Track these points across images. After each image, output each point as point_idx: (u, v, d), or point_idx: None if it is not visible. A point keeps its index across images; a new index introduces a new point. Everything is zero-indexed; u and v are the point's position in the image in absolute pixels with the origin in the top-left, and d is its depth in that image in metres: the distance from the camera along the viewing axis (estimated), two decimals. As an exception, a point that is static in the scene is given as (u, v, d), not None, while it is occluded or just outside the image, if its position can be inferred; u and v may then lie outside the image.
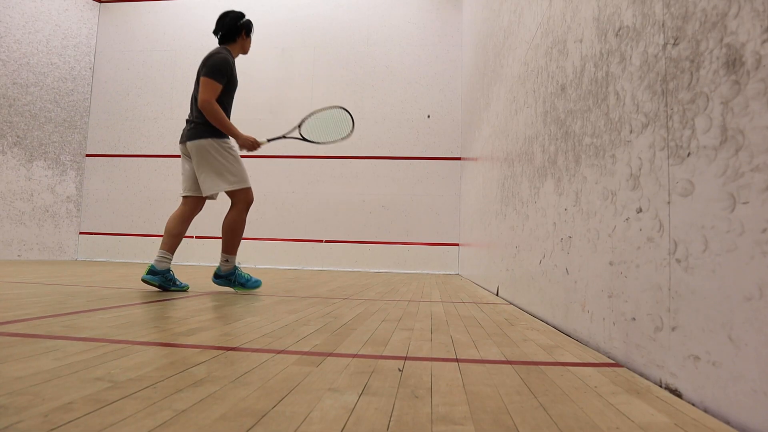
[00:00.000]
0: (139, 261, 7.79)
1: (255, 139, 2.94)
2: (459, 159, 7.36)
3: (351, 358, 1.16)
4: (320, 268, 7.32)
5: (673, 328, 0.93)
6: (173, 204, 7.83)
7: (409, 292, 3.32)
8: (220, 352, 1.19)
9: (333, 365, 1.08)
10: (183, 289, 2.85)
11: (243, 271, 2.93)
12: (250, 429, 0.67)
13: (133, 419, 0.69)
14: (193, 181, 2.86)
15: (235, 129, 2.85)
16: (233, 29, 2.97)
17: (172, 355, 1.12)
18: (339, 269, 7.31)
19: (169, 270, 2.81)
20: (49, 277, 3.74)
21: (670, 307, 0.94)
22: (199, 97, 2.73)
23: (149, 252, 7.77)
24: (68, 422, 0.67)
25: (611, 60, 1.28)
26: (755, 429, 0.71)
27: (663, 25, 1.00)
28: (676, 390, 0.91)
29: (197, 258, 7.66)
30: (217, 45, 3.00)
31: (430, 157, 7.49)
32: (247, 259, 7.24)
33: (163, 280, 2.76)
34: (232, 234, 2.84)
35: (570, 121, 1.63)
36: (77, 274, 4.15)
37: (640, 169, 1.09)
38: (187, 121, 2.87)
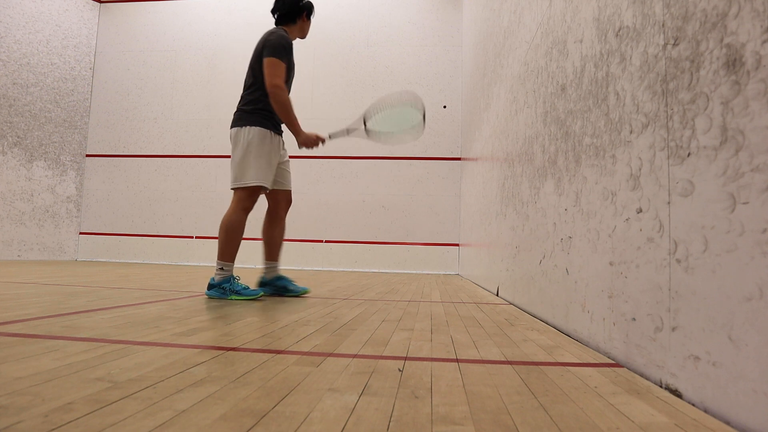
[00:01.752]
0: (139, 261, 7.79)
1: (317, 135, 2.67)
2: (459, 159, 7.36)
3: (351, 359, 1.16)
4: (320, 268, 7.32)
5: (674, 329, 0.93)
6: (173, 204, 7.85)
7: (409, 293, 3.32)
8: (220, 352, 1.19)
9: (333, 365, 1.08)
10: (300, 292, 2.76)
11: (241, 282, 2.58)
12: (250, 429, 0.67)
13: (133, 419, 0.69)
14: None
15: (298, 124, 2.60)
16: (294, 9, 2.72)
17: (172, 355, 1.12)
18: (339, 269, 7.31)
19: (280, 277, 2.75)
20: (49, 277, 3.74)
21: (670, 307, 0.94)
22: (267, 80, 2.51)
23: (149, 252, 7.78)
24: (68, 422, 0.67)
25: (611, 60, 1.28)
26: (755, 429, 0.71)
27: (663, 25, 1.00)
28: (676, 390, 0.91)
29: (197, 258, 7.66)
30: (273, 26, 2.77)
31: (430, 158, 7.49)
32: (248, 259, 7.24)
33: (275, 289, 2.74)
34: (226, 235, 2.52)
35: (570, 122, 1.63)
36: (77, 274, 4.15)
37: (640, 170, 1.09)
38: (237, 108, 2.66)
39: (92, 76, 8.27)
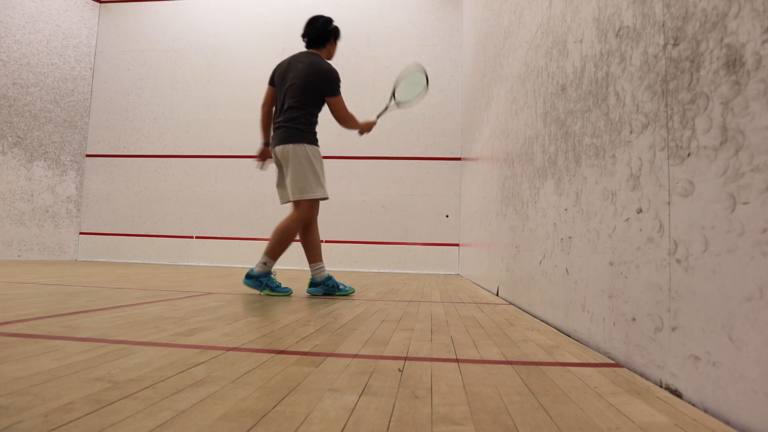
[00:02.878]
0: (139, 261, 7.79)
1: (368, 121, 3.07)
2: (459, 159, 7.36)
3: (351, 359, 1.16)
4: (320, 269, 7.32)
5: (674, 329, 0.93)
6: (173, 204, 7.85)
7: (409, 293, 3.32)
8: (220, 352, 1.19)
9: (333, 365, 1.08)
10: (347, 292, 2.93)
11: (276, 279, 2.87)
12: (250, 429, 0.67)
13: (133, 419, 0.69)
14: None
15: (358, 122, 3.00)
16: (324, 34, 2.96)
17: (172, 356, 1.12)
18: (339, 269, 7.31)
19: (329, 277, 2.91)
20: (49, 277, 3.74)
21: (670, 307, 0.94)
22: (340, 117, 2.89)
23: (149, 252, 7.78)
24: (68, 422, 0.67)
25: (611, 60, 1.28)
26: (755, 429, 0.71)
27: (663, 25, 1.00)
28: (676, 390, 0.91)
29: (197, 258, 7.66)
30: (305, 49, 3.00)
31: (430, 158, 7.49)
32: (248, 259, 7.25)
33: (326, 289, 2.89)
34: (281, 238, 2.77)
35: (570, 122, 1.63)
36: (77, 275, 4.15)
37: (640, 170, 1.09)
38: (277, 126, 2.86)
39: (92, 76, 8.27)
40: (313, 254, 2.93)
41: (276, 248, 2.79)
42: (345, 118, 2.92)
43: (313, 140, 2.84)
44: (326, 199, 2.87)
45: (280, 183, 2.93)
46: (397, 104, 3.25)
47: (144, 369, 0.98)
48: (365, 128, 3.06)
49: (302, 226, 2.84)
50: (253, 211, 7.45)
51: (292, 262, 7.39)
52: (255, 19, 7.95)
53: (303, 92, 2.81)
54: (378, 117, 3.14)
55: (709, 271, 0.83)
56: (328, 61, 2.94)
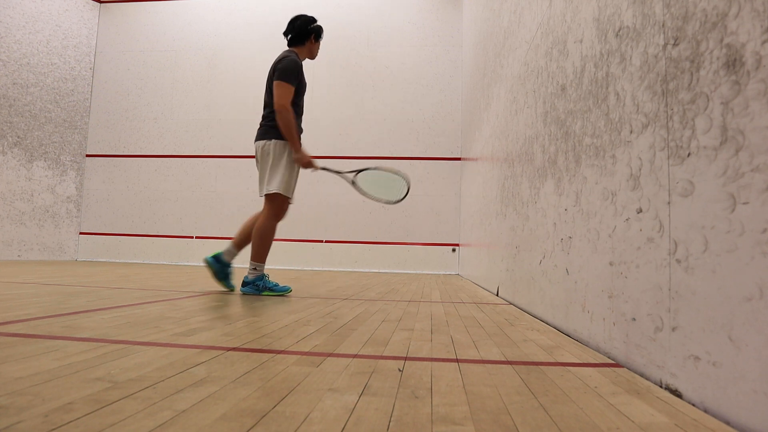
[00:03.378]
0: (139, 261, 7.79)
1: (311, 160, 2.89)
2: (459, 159, 7.36)
3: (351, 359, 1.16)
4: (320, 269, 7.32)
5: (674, 329, 0.93)
6: (173, 204, 7.85)
7: (409, 293, 3.32)
8: (220, 352, 1.19)
9: (333, 365, 1.08)
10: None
11: (271, 279, 2.90)
12: (250, 429, 0.67)
13: (133, 419, 0.69)
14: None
15: (297, 142, 2.82)
16: (303, 33, 2.98)
17: (172, 356, 1.12)
18: (339, 269, 7.31)
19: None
20: (49, 277, 3.74)
21: (670, 307, 0.94)
22: (275, 101, 2.76)
23: (149, 252, 7.79)
24: (68, 422, 0.67)
25: (611, 60, 1.28)
26: (755, 429, 0.71)
27: (663, 25, 1.00)
28: (676, 390, 0.91)
29: (197, 258, 7.66)
30: (286, 48, 3.03)
31: (430, 158, 7.49)
32: (248, 259, 7.24)
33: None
34: (261, 240, 2.79)
35: (570, 122, 1.63)
36: (77, 275, 4.15)
37: (640, 170, 1.09)
38: (261, 123, 2.91)
39: (92, 76, 8.27)
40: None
41: (259, 251, 2.80)
42: (282, 114, 2.73)
43: (281, 136, 2.80)
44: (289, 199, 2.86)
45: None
46: (353, 183, 3.11)
47: (144, 369, 0.98)
48: (301, 159, 2.82)
49: (276, 223, 2.84)
50: (253, 211, 7.43)
51: (294, 261, 7.40)
52: (255, 19, 7.94)
53: (269, 90, 2.86)
54: (322, 168, 2.99)
55: (709, 271, 0.83)
56: (296, 56, 2.89)
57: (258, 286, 2.78)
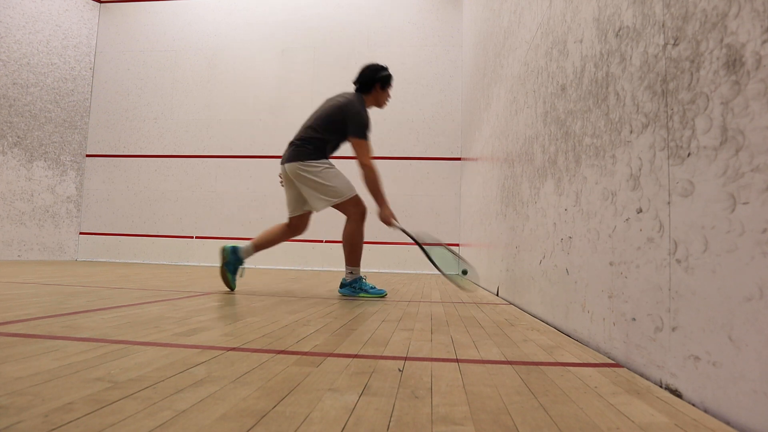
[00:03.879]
0: (139, 261, 7.79)
1: (393, 218, 2.94)
2: (459, 159, 7.36)
3: (351, 359, 1.16)
4: (320, 269, 7.32)
5: (674, 329, 0.93)
6: (173, 204, 7.85)
7: (409, 293, 3.32)
8: (220, 352, 1.19)
9: (333, 365, 1.08)
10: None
11: (368, 281, 2.99)
12: (250, 429, 0.67)
13: (133, 419, 0.69)
14: (292, 201, 3.01)
15: (384, 199, 2.89)
16: (369, 81, 3.03)
17: (172, 356, 1.12)
18: (339, 270, 7.31)
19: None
20: (49, 277, 3.74)
21: (670, 307, 0.94)
22: (360, 160, 2.82)
23: (149, 252, 7.78)
24: (68, 422, 0.67)
25: (611, 60, 1.28)
26: (755, 430, 0.71)
27: (663, 25, 1.00)
28: (676, 390, 0.91)
29: (197, 258, 7.66)
30: (353, 91, 3.06)
31: (430, 158, 7.49)
32: (247, 259, 7.24)
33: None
34: (351, 246, 2.89)
35: (570, 122, 1.63)
36: (77, 275, 4.15)
37: (640, 170, 1.09)
38: (291, 143, 2.94)
39: (92, 76, 8.27)
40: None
41: (352, 256, 2.91)
42: (370, 174, 2.84)
43: (309, 156, 2.85)
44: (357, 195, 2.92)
45: (289, 197, 3.02)
46: (426, 254, 2.94)
47: (144, 369, 0.98)
48: (387, 218, 2.92)
49: (362, 225, 2.94)
50: (253, 211, 7.45)
51: (294, 261, 7.40)
52: (255, 19, 7.94)
53: (324, 122, 2.88)
54: (400, 229, 2.98)
55: (709, 271, 0.83)
56: (365, 108, 2.94)
57: (355, 288, 2.89)
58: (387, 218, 2.93)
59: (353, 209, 2.90)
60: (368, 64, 3.09)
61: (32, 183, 7.35)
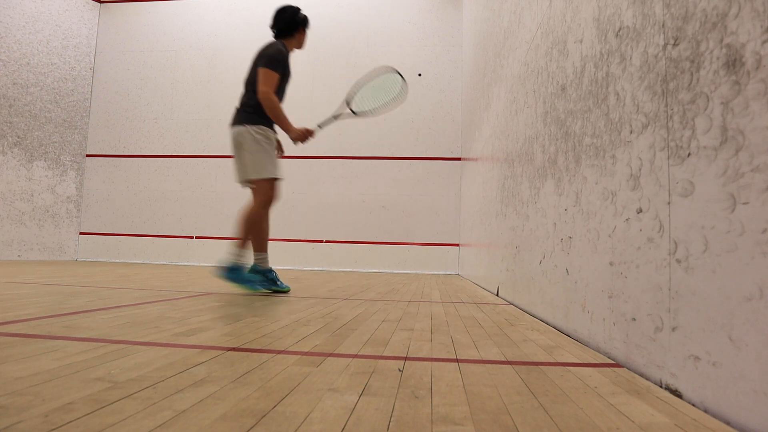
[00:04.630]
0: (139, 261, 7.79)
1: (306, 129, 2.87)
2: (459, 159, 7.36)
3: (351, 359, 1.16)
4: (320, 269, 7.32)
5: (674, 329, 0.93)
6: (173, 204, 7.85)
7: (409, 293, 3.32)
8: (220, 352, 1.19)
9: (333, 365, 1.08)
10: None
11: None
12: (250, 429, 0.67)
13: (133, 419, 0.69)
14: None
15: (289, 123, 2.84)
16: (291, 24, 2.97)
17: (172, 356, 1.12)
18: (339, 269, 7.31)
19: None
20: (49, 277, 3.74)
21: (670, 307, 0.94)
22: (259, 88, 2.75)
23: (149, 252, 7.78)
24: (68, 422, 0.67)
25: (611, 60, 1.28)
26: (756, 430, 0.71)
27: (663, 25, 1.00)
28: (676, 390, 0.91)
29: (197, 258, 7.66)
30: (272, 39, 3.00)
31: (430, 158, 7.49)
32: (247, 259, 7.24)
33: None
34: (252, 228, 2.78)
35: (570, 122, 1.63)
36: (77, 275, 4.15)
37: (640, 170, 1.09)
38: (236, 108, 2.91)
39: (92, 76, 8.27)
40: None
41: (257, 239, 2.81)
42: (267, 100, 2.74)
43: (260, 121, 2.80)
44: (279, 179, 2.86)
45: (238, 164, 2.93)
46: (356, 114, 3.06)
47: (144, 369, 0.98)
48: (299, 135, 2.87)
49: (267, 210, 2.83)
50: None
51: (294, 261, 7.40)
52: (255, 19, 7.94)
53: (251, 77, 2.85)
54: (320, 127, 2.98)
55: (709, 271, 0.83)
56: (283, 46, 2.88)
57: (267, 278, 2.82)
58: (301, 135, 2.86)
59: (264, 192, 2.80)
60: (282, 7, 3.01)
61: (32, 183, 7.35)
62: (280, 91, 2.88)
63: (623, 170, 1.18)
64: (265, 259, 2.86)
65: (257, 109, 2.80)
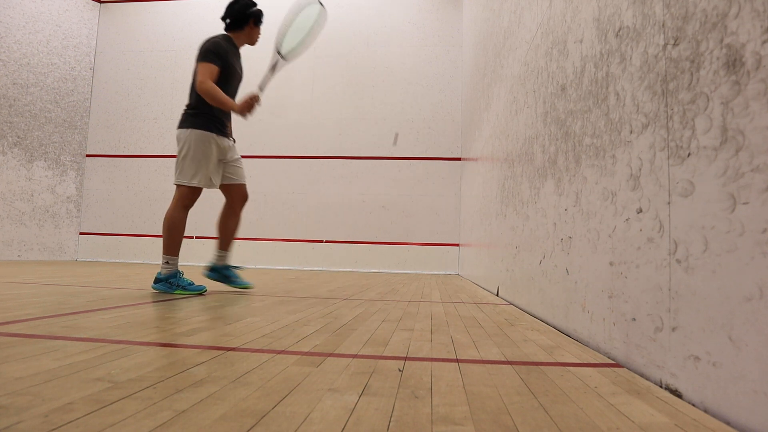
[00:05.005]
0: (139, 261, 7.79)
1: (249, 96, 2.72)
2: (459, 159, 7.36)
3: (351, 359, 1.16)
4: (320, 269, 7.32)
5: (674, 329, 0.93)
6: (173, 204, 7.85)
7: (409, 293, 3.32)
8: (220, 352, 1.19)
9: (333, 365, 1.08)
10: (241, 286, 3.00)
11: (186, 278, 2.76)
12: (250, 429, 0.67)
13: (133, 419, 0.69)
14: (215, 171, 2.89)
15: (231, 102, 2.70)
16: (241, 17, 2.84)
17: (172, 356, 1.12)
18: (339, 269, 7.31)
19: (228, 267, 2.98)
20: (49, 277, 3.74)
21: (671, 307, 0.94)
22: (197, 80, 2.65)
23: (149, 252, 7.78)
24: (68, 422, 0.67)
25: (611, 60, 1.28)
26: (756, 430, 0.71)
27: (663, 25, 1.00)
28: (676, 390, 0.91)
29: (197, 258, 7.65)
30: (222, 32, 2.87)
31: (430, 158, 7.49)
32: (247, 259, 7.24)
33: (221, 277, 2.98)
34: (169, 231, 2.70)
35: (570, 122, 1.63)
36: (77, 275, 4.15)
37: (640, 170, 1.09)
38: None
39: (92, 76, 8.27)
40: (223, 242, 3.01)
41: (169, 243, 2.70)
42: (204, 89, 2.61)
43: (200, 125, 2.70)
44: (203, 187, 2.83)
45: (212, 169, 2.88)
46: (286, 58, 2.91)
47: (144, 369, 0.98)
48: (245, 107, 2.72)
49: (185, 213, 2.79)
50: (253, 211, 7.45)
51: (294, 261, 7.40)
52: (255, 19, 7.93)
53: (193, 76, 2.74)
54: (261, 89, 2.81)
55: (709, 271, 0.83)
56: (224, 39, 2.77)
57: (171, 284, 2.64)
58: (245, 106, 2.72)
59: (179, 196, 2.78)
60: None
61: (32, 183, 7.35)
62: (229, 89, 2.78)
63: (623, 170, 1.18)
64: (175, 263, 2.71)
65: (199, 111, 2.71)
